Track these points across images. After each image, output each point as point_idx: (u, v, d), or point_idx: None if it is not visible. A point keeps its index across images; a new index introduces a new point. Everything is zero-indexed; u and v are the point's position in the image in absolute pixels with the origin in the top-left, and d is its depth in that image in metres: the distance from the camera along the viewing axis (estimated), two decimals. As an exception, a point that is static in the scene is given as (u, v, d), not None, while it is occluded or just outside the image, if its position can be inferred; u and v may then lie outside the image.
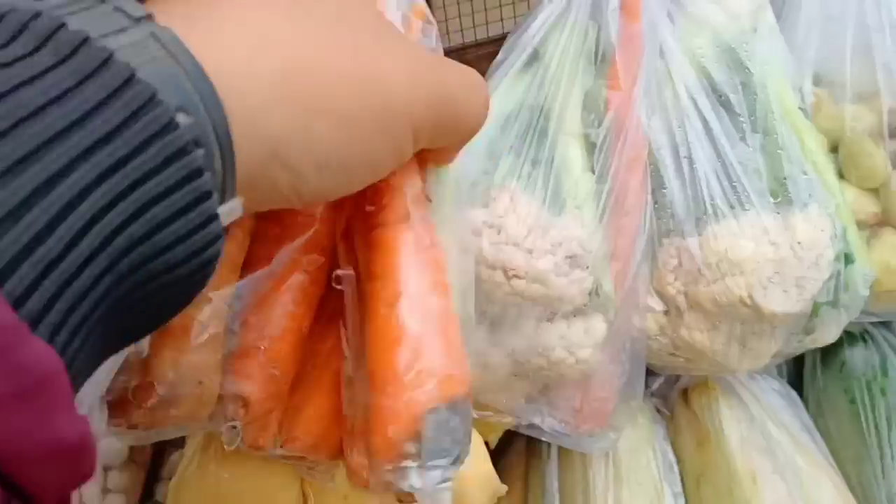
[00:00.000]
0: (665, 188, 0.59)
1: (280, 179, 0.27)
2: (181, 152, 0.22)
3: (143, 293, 0.24)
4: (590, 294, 0.55)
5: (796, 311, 0.57)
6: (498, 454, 0.80)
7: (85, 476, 0.22)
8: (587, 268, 0.53)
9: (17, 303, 0.19)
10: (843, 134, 0.62)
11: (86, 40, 0.21)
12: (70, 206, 0.20)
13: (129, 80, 0.22)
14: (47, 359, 0.20)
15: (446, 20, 0.93)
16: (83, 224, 0.21)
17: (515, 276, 0.53)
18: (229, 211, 0.25)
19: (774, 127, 0.59)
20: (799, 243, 0.56)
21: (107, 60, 0.21)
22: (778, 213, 0.57)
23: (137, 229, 0.22)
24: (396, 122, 0.29)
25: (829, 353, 0.77)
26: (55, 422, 0.20)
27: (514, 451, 0.78)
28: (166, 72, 0.23)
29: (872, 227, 0.62)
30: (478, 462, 0.58)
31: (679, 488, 0.69)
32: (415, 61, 0.30)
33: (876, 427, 0.75)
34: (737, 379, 0.73)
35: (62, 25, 0.21)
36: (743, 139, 0.59)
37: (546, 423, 0.60)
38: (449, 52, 0.64)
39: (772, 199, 0.58)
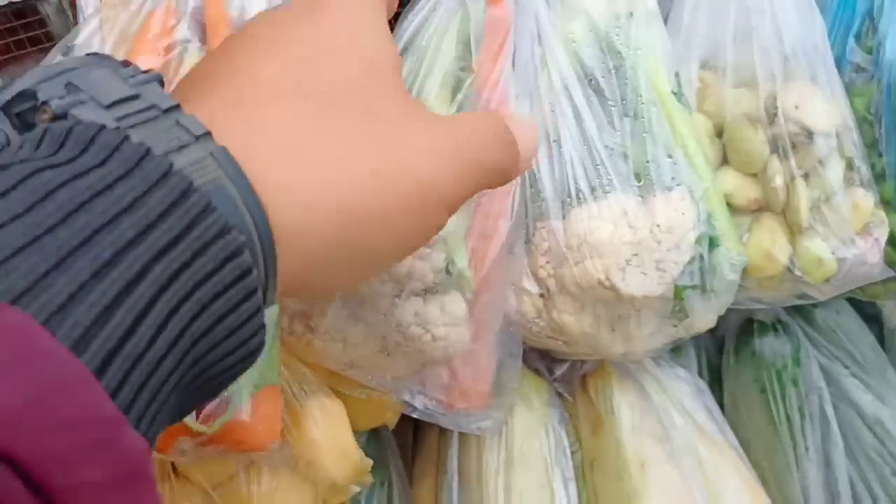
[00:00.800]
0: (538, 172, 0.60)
1: (314, 282, 0.29)
2: (235, 253, 0.24)
3: (200, 381, 0.26)
4: (442, 272, 0.56)
5: (657, 294, 0.57)
6: (416, 438, 0.82)
7: None
8: (434, 244, 0.54)
9: (113, 395, 0.21)
10: (725, 119, 0.61)
11: (148, 152, 0.23)
12: (149, 306, 0.22)
13: (188, 190, 0.24)
14: (140, 448, 0.22)
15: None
16: (160, 322, 0.23)
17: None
18: (269, 314, 0.28)
19: (643, 111, 0.59)
20: (658, 226, 0.56)
21: (167, 172, 0.23)
22: (640, 196, 0.58)
23: (200, 325, 0.24)
24: (427, 205, 0.30)
25: (741, 343, 0.77)
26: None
27: (429, 435, 0.80)
28: (220, 187, 0.25)
29: (754, 212, 0.61)
30: (337, 433, 0.60)
31: (571, 473, 0.69)
32: (435, 138, 0.31)
33: (787, 417, 0.75)
34: (641, 366, 0.72)
35: (126, 138, 0.23)
36: (611, 123, 0.59)
37: (417, 400, 0.61)
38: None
39: (636, 183, 0.58)
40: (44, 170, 0.22)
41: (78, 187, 0.22)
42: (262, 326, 0.26)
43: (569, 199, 0.58)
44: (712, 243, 0.58)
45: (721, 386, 0.80)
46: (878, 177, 0.60)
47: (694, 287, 0.58)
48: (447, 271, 0.56)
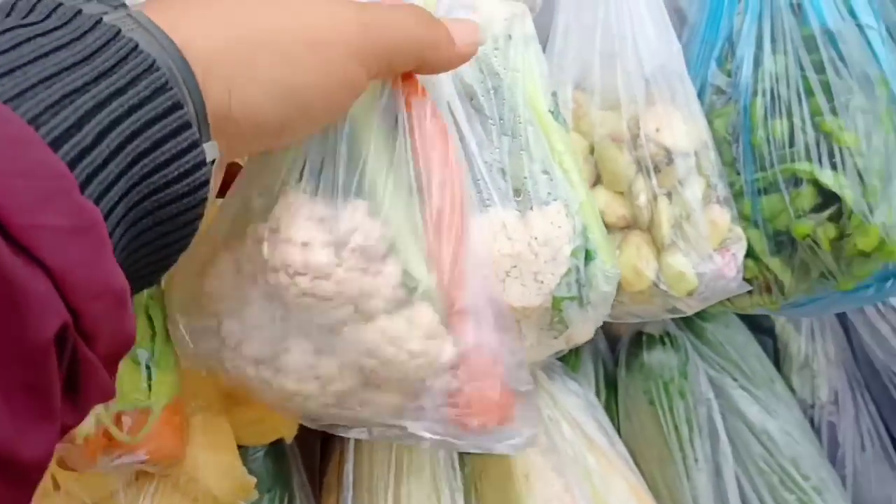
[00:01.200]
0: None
1: (240, 117, 0.34)
2: (163, 88, 0.30)
3: (154, 217, 0.31)
4: (399, 286, 0.53)
5: (535, 305, 0.58)
6: (323, 451, 0.83)
7: (128, 336, 0.28)
8: (384, 258, 0.53)
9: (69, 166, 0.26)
10: (594, 139, 0.64)
11: (79, 12, 0.30)
12: (92, 113, 0.27)
13: (116, 35, 0.30)
14: (96, 213, 0.26)
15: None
16: (102, 128, 0.28)
17: (297, 273, 0.50)
18: (209, 149, 0.32)
19: (520, 129, 0.61)
20: (535, 238, 0.58)
21: (97, 23, 0.30)
22: (518, 210, 0.60)
23: (139, 145, 0.29)
24: (332, 54, 0.36)
25: (631, 355, 0.79)
26: (105, 262, 0.26)
27: (334, 448, 0.81)
28: (140, 36, 0.31)
29: (622, 229, 0.63)
30: (220, 450, 0.61)
31: (459, 485, 0.71)
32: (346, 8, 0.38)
33: (676, 429, 0.77)
34: (535, 381, 0.74)
35: (79, 11, 0.30)
36: (491, 140, 0.61)
37: (422, 429, 0.56)
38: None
39: (515, 198, 0.60)
40: (16, 28, 0.28)
41: (41, 42, 0.28)
42: (204, 162, 0.31)
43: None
44: (588, 256, 0.60)
45: (616, 393, 0.82)
46: (738, 194, 0.62)
47: (571, 298, 0.60)
48: (404, 284, 0.52)
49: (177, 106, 0.30)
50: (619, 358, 0.81)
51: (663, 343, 0.78)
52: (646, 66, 0.62)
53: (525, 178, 0.59)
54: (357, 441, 0.74)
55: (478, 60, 0.62)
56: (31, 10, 0.29)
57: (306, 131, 0.41)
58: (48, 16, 0.29)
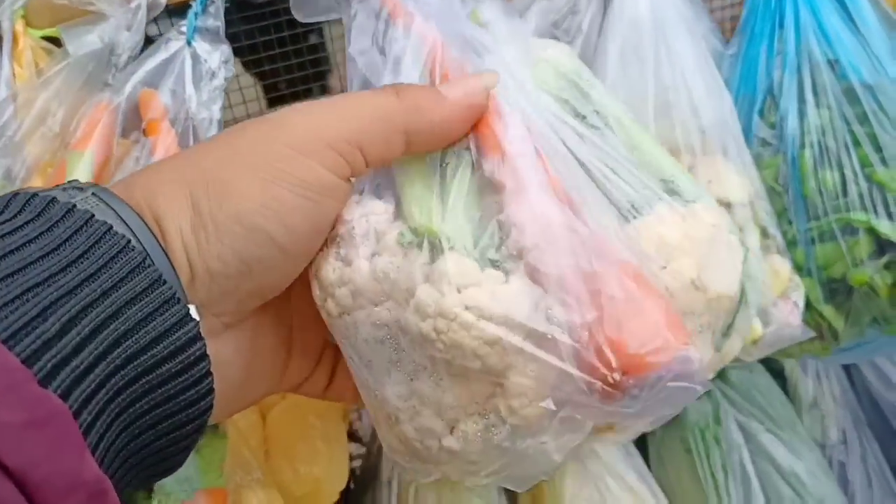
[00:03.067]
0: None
1: (217, 271, 0.33)
2: (141, 265, 0.29)
3: (144, 389, 0.29)
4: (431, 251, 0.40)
5: (735, 292, 0.56)
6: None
7: None
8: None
9: (42, 380, 0.25)
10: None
11: (52, 201, 0.30)
12: (56, 304, 0.27)
13: (88, 221, 0.29)
14: (56, 400, 0.24)
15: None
16: (70, 317, 0.27)
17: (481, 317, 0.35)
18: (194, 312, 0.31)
19: (637, 141, 0.57)
20: (713, 225, 0.55)
21: (69, 211, 0.30)
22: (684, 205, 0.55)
23: (118, 327, 0.28)
24: (292, 177, 0.34)
25: (664, 405, 0.79)
26: (71, 455, 0.24)
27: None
28: (108, 213, 0.31)
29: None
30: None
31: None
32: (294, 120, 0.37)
33: (713, 475, 0.77)
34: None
35: (53, 199, 0.30)
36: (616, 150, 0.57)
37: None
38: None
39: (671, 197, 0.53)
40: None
41: (9, 241, 0.28)
42: (199, 337, 0.30)
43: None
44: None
45: (643, 445, 0.82)
46: (790, 244, 0.64)
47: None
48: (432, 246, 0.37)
49: (158, 282, 0.30)
50: (648, 407, 0.81)
51: (696, 391, 0.78)
52: (702, 118, 0.63)
53: (671, 179, 0.52)
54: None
55: (571, 90, 0.58)
56: (5, 207, 0.30)
57: (304, 246, 0.37)
58: (20, 210, 0.29)
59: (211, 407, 0.31)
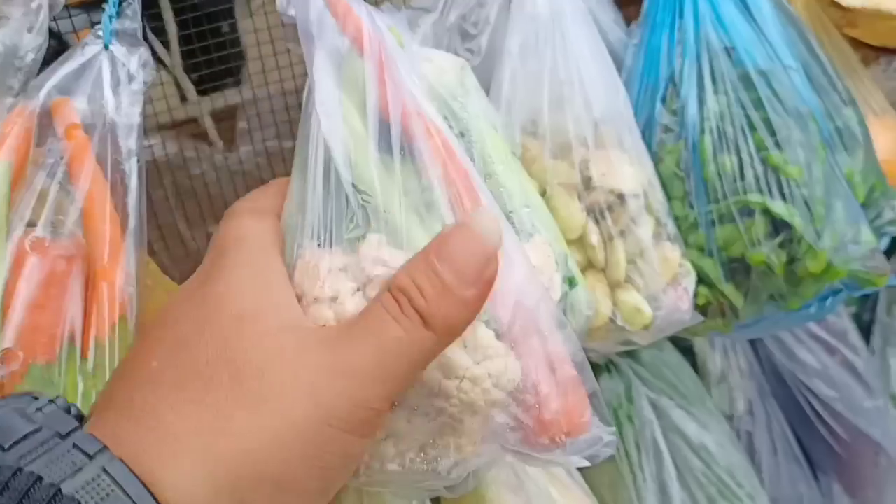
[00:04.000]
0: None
1: None
2: None
3: None
4: None
5: None
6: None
7: None
8: None
9: None
10: (546, 188, 0.66)
11: (38, 480, 0.26)
12: None
13: None
14: None
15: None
16: None
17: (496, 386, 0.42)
18: None
19: (494, 169, 0.61)
20: (534, 267, 0.58)
21: (54, 497, 0.26)
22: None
23: None
24: (324, 440, 0.31)
25: (579, 385, 0.81)
26: None
27: None
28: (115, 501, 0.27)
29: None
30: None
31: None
32: (311, 371, 0.32)
33: (626, 453, 0.79)
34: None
35: (18, 471, 0.26)
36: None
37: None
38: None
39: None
40: None
41: None
42: None
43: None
44: (571, 283, 0.61)
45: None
46: (692, 226, 0.66)
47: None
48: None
49: None
50: (564, 388, 0.83)
51: (608, 371, 0.81)
52: (595, 111, 0.65)
53: (510, 212, 0.58)
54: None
55: (442, 108, 0.62)
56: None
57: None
58: (1, 492, 0.26)
59: None
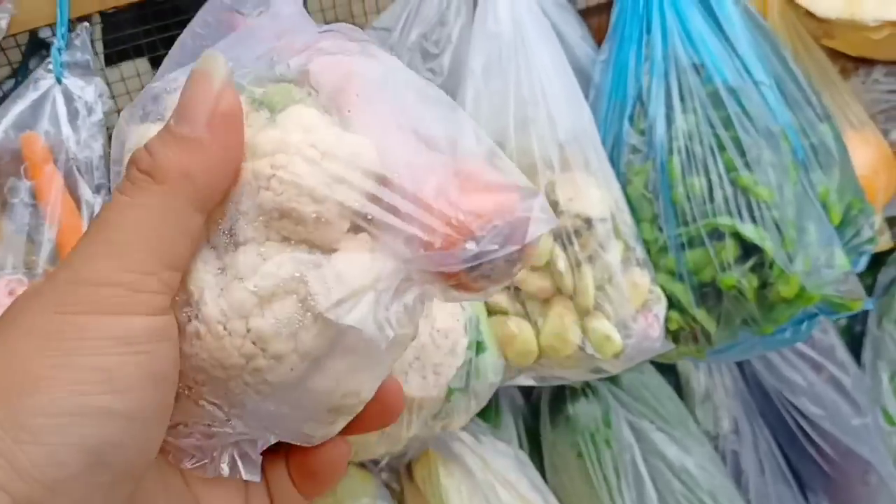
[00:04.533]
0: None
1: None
2: None
3: None
4: None
5: (433, 396, 0.58)
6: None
7: None
8: None
9: None
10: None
11: None
12: None
13: None
14: None
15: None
16: None
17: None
18: None
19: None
20: (437, 331, 0.57)
21: None
22: (420, 303, 0.58)
23: None
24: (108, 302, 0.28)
25: (555, 410, 0.79)
26: None
27: None
28: None
29: (544, 300, 0.63)
30: None
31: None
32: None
33: (605, 479, 0.77)
34: (463, 444, 0.73)
35: None
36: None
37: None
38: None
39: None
40: None
41: None
42: None
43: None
44: (479, 348, 0.60)
45: (540, 451, 0.82)
46: (661, 250, 0.64)
47: (461, 389, 0.60)
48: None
49: None
50: (540, 412, 0.81)
51: (585, 395, 0.79)
52: (560, 132, 0.63)
53: None
54: None
55: None
56: None
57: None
58: None
59: None
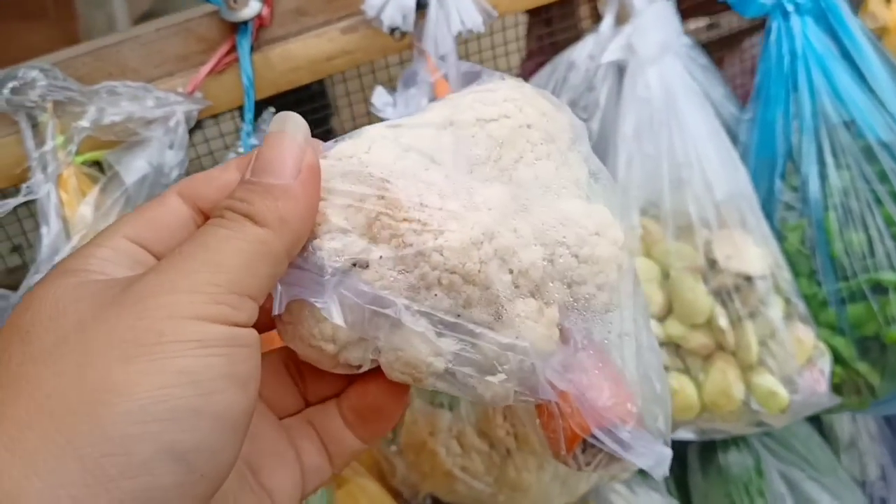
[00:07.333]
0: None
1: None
2: None
3: None
4: None
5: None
6: None
7: None
8: None
9: None
10: (670, 271, 0.66)
11: None
12: None
13: None
14: None
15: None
16: None
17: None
18: None
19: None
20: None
21: None
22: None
23: None
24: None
25: (707, 460, 0.80)
26: None
27: None
28: None
29: (705, 356, 0.65)
30: None
31: None
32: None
33: (760, 529, 0.77)
34: (619, 495, 0.74)
35: None
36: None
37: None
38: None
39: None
40: None
41: None
42: None
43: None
44: None
45: (688, 500, 0.82)
46: (820, 305, 0.65)
47: None
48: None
49: None
50: (688, 460, 0.82)
51: (737, 444, 0.79)
52: (716, 192, 0.65)
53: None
54: None
55: None
56: None
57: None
58: None
59: None
